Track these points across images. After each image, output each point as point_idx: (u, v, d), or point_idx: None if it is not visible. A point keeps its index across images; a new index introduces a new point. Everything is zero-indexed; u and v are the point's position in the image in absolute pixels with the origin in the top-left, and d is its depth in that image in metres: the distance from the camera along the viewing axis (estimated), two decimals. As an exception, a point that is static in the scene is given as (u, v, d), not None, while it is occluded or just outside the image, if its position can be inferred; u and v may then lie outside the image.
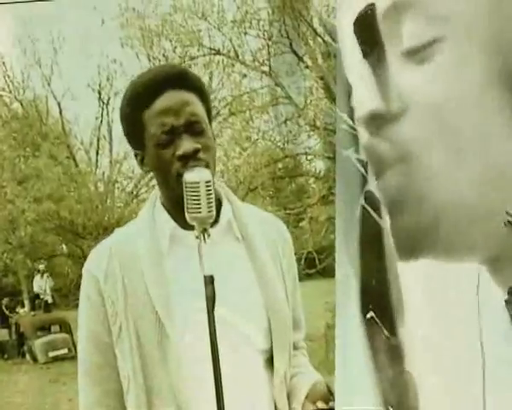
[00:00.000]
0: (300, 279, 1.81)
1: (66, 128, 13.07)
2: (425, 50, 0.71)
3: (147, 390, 1.62)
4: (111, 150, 12.76)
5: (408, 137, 0.70)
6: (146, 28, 10.88)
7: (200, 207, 1.54)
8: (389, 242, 1.50)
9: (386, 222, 1.47)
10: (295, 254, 1.83)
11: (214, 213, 1.55)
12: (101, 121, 12.79)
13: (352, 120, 1.53)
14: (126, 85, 1.77)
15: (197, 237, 1.54)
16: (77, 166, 12.89)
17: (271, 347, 1.68)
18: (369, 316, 1.59)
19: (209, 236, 1.55)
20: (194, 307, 1.60)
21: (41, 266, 13.14)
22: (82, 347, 1.74)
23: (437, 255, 0.76)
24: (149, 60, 11.02)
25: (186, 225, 1.60)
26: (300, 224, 11.11)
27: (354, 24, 1.37)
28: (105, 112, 12.66)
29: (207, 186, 1.55)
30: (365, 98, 1.24)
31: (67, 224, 12.29)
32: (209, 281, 1.51)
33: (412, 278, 1.39)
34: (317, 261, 10.48)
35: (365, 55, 1.31)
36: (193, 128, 1.66)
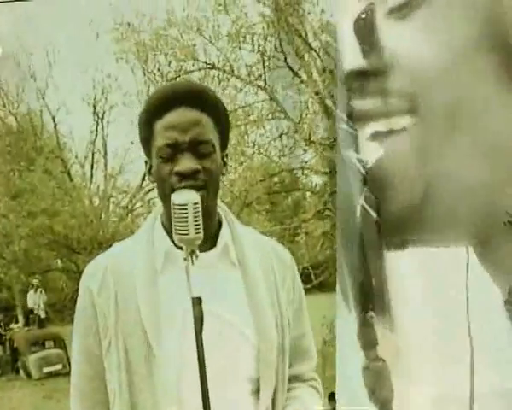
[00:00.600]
0: (297, 294, 1.79)
1: (60, 142, 13.07)
2: (408, 6, 0.71)
3: (132, 406, 1.64)
4: (106, 165, 12.76)
5: (395, 95, 0.69)
6: (141, 43, 10.91)
7: (187, 229, 1.55)
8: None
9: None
10: (297, 263, 1.83)
11: (202, 234, 1.56)
12: (96, 135, 12.79)
13: (352, 119, 1.55)
14: (121, 99, 1.81)
15: (185, 259, 1.56)
16: (71, 180, 12.89)
17: (258, 377, 1.69)
18: (369, 316, 1.60)
19: (197, 257, 1.56)
20: (183, 327, 1.61)
21: (35, 281, 13.12)
22: (74, 358, 1.77)
23: (425, 240, 0.75)
24: (144, 74, 11.05)
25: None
26: (296, 238, 11.12)
27: None
28: (100, 126, 12.66)
29: (195, 208, 1.56)
30: (348, 58, 1.24)
31: (62, 238, 12.28)
32: (197, 302, 1.52)
33: (403, 268, 1.40)
34: (312, 277, 10.48)
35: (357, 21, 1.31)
36: (198, 148, 1.67)
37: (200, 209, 1.57)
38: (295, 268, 1.86)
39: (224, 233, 1.73)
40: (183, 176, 1.64)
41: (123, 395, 1.64)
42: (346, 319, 1.67)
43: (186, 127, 1.66)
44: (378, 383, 1.60)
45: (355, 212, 1.63)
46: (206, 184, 1.66)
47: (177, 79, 10.91)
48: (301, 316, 1.83)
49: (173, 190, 1.63)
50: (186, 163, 1.64)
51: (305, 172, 11.09)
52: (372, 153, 1.48)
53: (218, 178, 1.72)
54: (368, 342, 1.64)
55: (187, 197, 1.57)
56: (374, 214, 1.56)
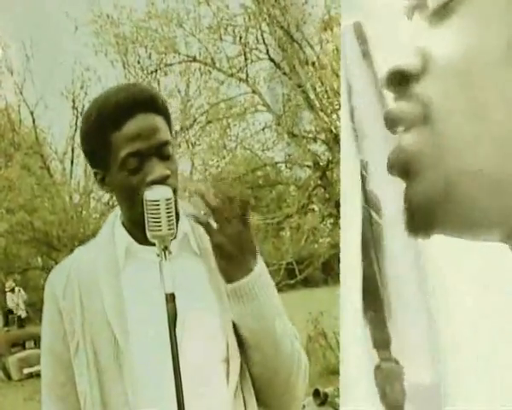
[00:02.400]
0: (281, 290, 1.82)
1: (39, 137, 13.06)
2: (446, 8, 0.73)
3: (103, 406, 1.67)
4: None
5: (427, 97, 0.71)
6: (120, 35, 10.91)
7: (160, 225, 1.59)
8: (389, 243, 1.56)
9: (386, 222, 1.52)
10: (275, 264, 1.87)
11: (175, 230, 1.60)
12: (76, 130, 12.79)
13: (353, 119, 1.59)
14: (101, 93, 1.79)
15: (158, 255, 1.59)
16: (51, 176, 12.88)
17: (228, 357, 1.73)
18: (369, 316, 1.63)
19: (170, 253, 1.60)
20: (150, 322, 1.65)
21: (14, 280, 13.10)
22: (44, 363, 1.80)
23: (450, 230, 0.76)
24: (124, 67, 11.06)
25: (143, 241, 1.65)
26: (280, 233, 11.16)
27: None
28: (79, 120, 12.66)
29: (167, 204, 1.59)
30: (386, 58, 1.27)
31: (42, 236, 12.26)
32: (171, 299, 1.56)
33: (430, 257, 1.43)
34: (297, 272, 10.53)
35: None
36: (162, 151, 1.69)
37: (172, 205, 1.60)
38: None
39: (183, 224, 1.76)
40: (155, 184, 1.66)
41: (94, 395, 1.68)
42: (351, 317, 1.70)
43: (148, 134, 1.67)
44: (389, 384, 1.63)
45: (357, 213, 1.66)
46: (176, 188, 1.69)
47: (158, 72, 10.92)
48: None
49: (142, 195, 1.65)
50: (157, 171, 1.66)
51: (289, 165, 11.15)
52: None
53: (178, 178, 1.75)
54: (380, 340, 1.67)
55: (160, 193, 1.60)
56: (375, 215, 1.60)
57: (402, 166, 0.74)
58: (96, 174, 1.75)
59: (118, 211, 1.80)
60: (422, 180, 0.70)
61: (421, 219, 0.71)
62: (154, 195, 1.60)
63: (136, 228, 1.68)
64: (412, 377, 1.59)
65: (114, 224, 1.79)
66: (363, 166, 1.62)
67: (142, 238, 1.63)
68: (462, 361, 1.50)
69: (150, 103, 1.71)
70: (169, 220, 1.59)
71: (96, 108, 1.74)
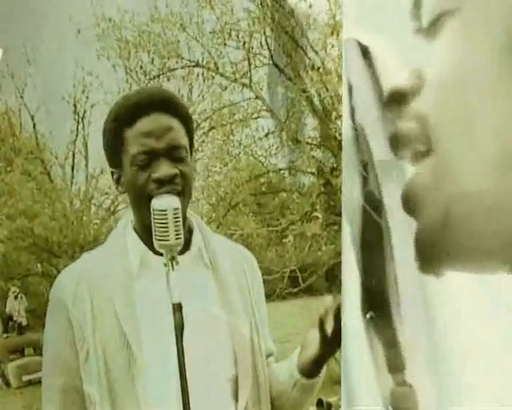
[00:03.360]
0: (284, 298, 1.86)
1: (40, 142, 13.06)
2: (436, 24, 0.72)
3: None
4: (87, 165, 12.76)
5: (421, 118, 0.71)
6: (123, 39, 10.92)
7: (168, 235, 1.60)
8: (389, 242, 1.56)
9: (386, 222, 1.53)
10: (278, 272, 1.90)
11: (182, 240, 1.61)
12: (77, 135, 12.80)
13: (353, 119, 1.60)
14: (103, 98, 1.84)
15: (165, 265, 1.60)
16: (51, 181, 12.88)
17: (237, 375, 1.74)
18: (368, 316, 1.63)
19: (177, 263, 1.60)
20: (162, 332, 1.66)
21: (14, 287, 13.10)
22: (48, 372, 1.80)
23: (456, 262, 0.75)
24: (126, 72, 11.06)
25: (157, 251, 1.66)
26: (284, 241, 11.16)
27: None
28: (80, 126, 12.68)
29: (175, 214, 1.60)
30: (387, 76, 1.27)
31: (42, 242, 12.27)
32: (177, 309, 1.56)
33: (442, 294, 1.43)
34: (300, 280, 10.52)
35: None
36: (173, 153, 1.71)
37: (180, 215, 1.61)
38: (258, 268, 1.92)
39: (197, 238, 1.78)
40: (161, 182, 1.67)
41: (104, 404, 1.68)
42: (355, 331, 1.70)
43: (160, 133, 1.70)
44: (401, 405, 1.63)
45: (358, 213, 1.67)
46: (183, 190, 1.70)
47: (160, 77, 10.94)
48: (265, 315, 1.89)
49: (150, 198, 1.66)
50: (164, 169, 1.68)
51: (293, 172, 11.15)
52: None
53: (192, 184, 1.75)
54: (394, 364, 1.67)
55: (167, 203, 1.62)
56: (374, 215, 1.60)
57: (408, 204, 0.73)
58: (112, 174, 1.78)
59: (128, 216, 1.81)
60: (424, 214, 0.69)
61: (427, 255, 0.71)
62: (162, 204, 1.61)
63: (147, 233, 1.69)
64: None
65: (125, 230, 1.80)
66: (363, 167, 1.63)
67: (154, 245, 1.65)
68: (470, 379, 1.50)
69: (167, 104, 1.74)
70: (176, 230, 1.60)
71: (116, 106, 1.78)
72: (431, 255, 0.77)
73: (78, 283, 1.75)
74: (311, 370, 1.77)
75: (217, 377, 1.73)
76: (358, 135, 1.63)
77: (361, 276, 1.62)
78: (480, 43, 0.73)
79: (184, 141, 1.73)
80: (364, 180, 1.61)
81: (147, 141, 1.70)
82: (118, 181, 1.77)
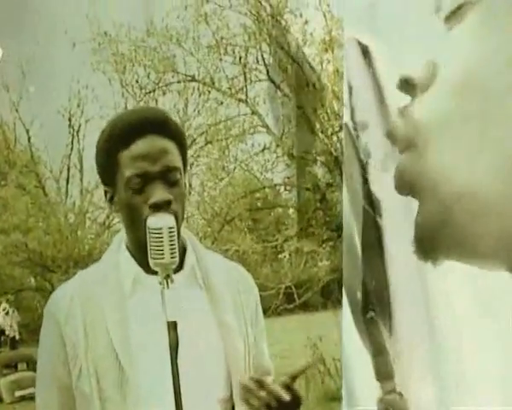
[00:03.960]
0: (279, 314, 1.87)
1: (34, 156, 13.07)
2: (457, 13, 0.73)
3: None
4: (82, 179, 12.76)
5: (429, 111, 0.71)
6: (118, 53, 10.95)
7: (163, 253, 1.62)
8: (389, 241, 1.58)
9: (385, 221, 1.55)
10: (273, 288, 1.90)
11: (177, 259, 1.63)
12: (72, 149, 12.81)
13: (353, 120, 1.63)
14: (98, 112, 1.86)
15: (160, 283, 1.62)
16: (46, 195, 12.87)
17: (231, 394, 1.75)
18: (368, 316, 1.65)
19: (172, 281, 1.62)
20: (155, 351, 1.67)
21: (5, 303, 13.07)
22: (41, 390, 1.82)
23: (456, 256, 0.76)
24: (122, 86, 11.09)
25: (149, 270, 1.68)
26: (279, 256, 11.16)
27: None
28: (75, 139, 12.69)
29: (170, 232, 1.62)
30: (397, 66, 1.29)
31: (36, 256, 12.25)
32: (172, 327, 1.59)
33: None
34: (295, 296, 10.52)
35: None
36: (168, 176, 1.71)
37: (175, 233, 1.63)
38: (255, 287, 1.92)
39: (190, 257, 1.79)
40: (157, 207, 1.68)
41: None
42: (355, 332, 1.72)
43: (155, 156, 1.71)
44: None
45: (359, 213, 1.70)
46: (178, 213, 1.71)
47: (156, 91, 10.96)
48: (263, 335, 1.89)
49: (144, 219, 1.67)
50: (159, 194, 1.68)
51: (288, 187, 11.17)
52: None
53: (185, 202, 1.77)
54: (383, 372, 1.69)
55: (163, 221, 1.64)
56: (374, 215, 1.63)
57: (409, 187, 0.75)
58: (105, 192, 1.78)
59: (122, 235, 1.83)
60: (424, 204, 0.72)
61: (426, 244, 0.73)
62: (157, 223, 1.64)
63: (141, 253, 1.70)
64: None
65: (119, 249, 1.82)
66: (363, 167, 1.65)
67: (147, 265, 1.66)
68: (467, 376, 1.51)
69: (162, 126, 1.75)
70: (172, 249, 1.62)
71: (109, 125, 1.78)
72: (430, 246, 0.79)
73: (72, 300, 1.77)
74: None
75: (210, 397, 1.75)
76: (358, 135, 1.66)
77: (361, 275, 1.64)
78: (505, 36, 0.73)
79: (179, 163, 1.74)
80: (364, 180, 1.64)
81: (142, 164, 1.70)
82: (111, 200, 1.78)
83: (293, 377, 1.65)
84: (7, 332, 13.14)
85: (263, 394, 1.63)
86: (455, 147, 0.73)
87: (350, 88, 1.66)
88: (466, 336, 1.58)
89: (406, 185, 0.80)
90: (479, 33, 0.74)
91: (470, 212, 0.70)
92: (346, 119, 1.69)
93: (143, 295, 1.75)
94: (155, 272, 1.63)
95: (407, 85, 0.78)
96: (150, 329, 1.70)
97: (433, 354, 1.64)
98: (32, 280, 13.59)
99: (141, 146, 1.72)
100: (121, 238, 1.83)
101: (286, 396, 1.62)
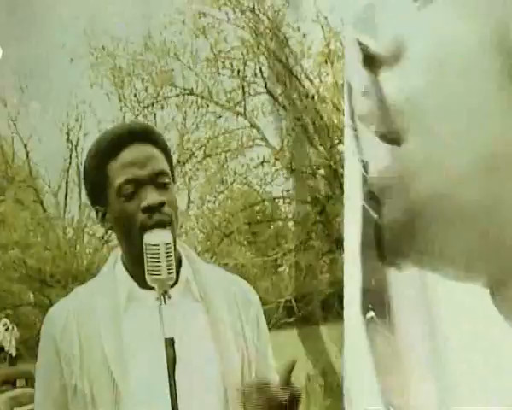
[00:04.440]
0: (279, 328, 1.85)
1: (32, 171, 13.09)
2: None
3: None
4: (80, 194, 12.77)
5: (397, 90, 0.68)
6: (116, 67, 10.99)
7: (160, 270, 1.63)
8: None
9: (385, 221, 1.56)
10: (273, 301, 1.90)
11: (174, 275, 1.64)
12: (70, 163, 12.84)
13: (353, 120, 1.64)
14: (96, 126, 1.88)
15: (157, 299, 1.63)
16: (44, 210, 12.89)
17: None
18: (368, 316, 1.65)
19: (170, 298, 1.63)
20: (150, 367, 1.68)
21: (5, 319, 13.05)
22: (38, 403, 1.83)
23: (425, 263, 0.73)
24: (120, 100, 11.12)
25: (145, 285, 1.69)
26: (279, 270, 11.16)
27: None
28: (74, 154, 12.72)
29: (167, 248, 1.63)
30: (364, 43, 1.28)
31: (34, 272, 12.25)
32: (170, 344, 1.59)
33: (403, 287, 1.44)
34: (296, 309, 10.51)
35: None
36: (158, 181, 1.74)
37: (172, 249, 1.64)
38: (259, 304, 1.92)
39: (185, 269, 1.79)
40: (150, 210, 1.70)
41: None
42: (355, 332, 1.72)
43: (143, 162, 1.73)
44: None
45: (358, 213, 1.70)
46: (172, 219, 1.73)
47: (154, 105, 10.99)
48: (267, 348, 1.88)
49: (142, 230, 1.68)
50: (151, 197, 1.71)
51: (287, 201, 11.19)
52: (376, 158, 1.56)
53: (178, 211, 1.79)
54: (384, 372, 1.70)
55: (159, 237, 1.64)
56: (374, 214, 1.63)
57: (372, 198, 0.73)
58: (97, 212, 1.79)
59: (118, 251, 1.83)
60: (390, 204, 0.69)
61: (389, 249, 0.71)
62: (154, 239, 1.64)
63: (138, 268, 1.71)
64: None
65: (115, 265, 1.82)
66: (364, 167, 1.66)
67: (143, 280, 1.67)
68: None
69: (146, 134, 1.78)
70: (168, 265, 1.63)
71: (95, 143, 1.81)
72: (394, 250, 0.76)
73: (68, 317, 1.77)
74: None
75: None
76: (357, 135, 1.67)
77: (361, 275, 1.64)
78: (477, 18, 0.71)
79: (167, 168, 1.77)
80: (364, 180, 1.65)
81: (131, 170, 1.73)
82: (103, 218, 1.80)
83: (288, 372, 1.66)
84: (6, 348, 13.11)
85: (261, 397, 1.65)
86: (426, 139, 0.69)
87: (350, 89, 1.66)
88: (466, 336, 1.58)
89: (371, 192, 0.78)
90: (450, 14, 0.73)
91: (442, 215, 0.65)
92: (347, 119, 1.69)
93: (138, 310, 1.76)
94: (150, 287, 1.64)
95: (372, 61, 0.77)
96: (145, 344, 1.71)
97: (434, 353, 1.64)
98: (31, 296, 13.58)
99: (128, 154, 1.75)
100: (117, 254, 1.84)
101: (285, 394, 1.64)
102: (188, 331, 1.73)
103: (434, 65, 0.70)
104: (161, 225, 1.70)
